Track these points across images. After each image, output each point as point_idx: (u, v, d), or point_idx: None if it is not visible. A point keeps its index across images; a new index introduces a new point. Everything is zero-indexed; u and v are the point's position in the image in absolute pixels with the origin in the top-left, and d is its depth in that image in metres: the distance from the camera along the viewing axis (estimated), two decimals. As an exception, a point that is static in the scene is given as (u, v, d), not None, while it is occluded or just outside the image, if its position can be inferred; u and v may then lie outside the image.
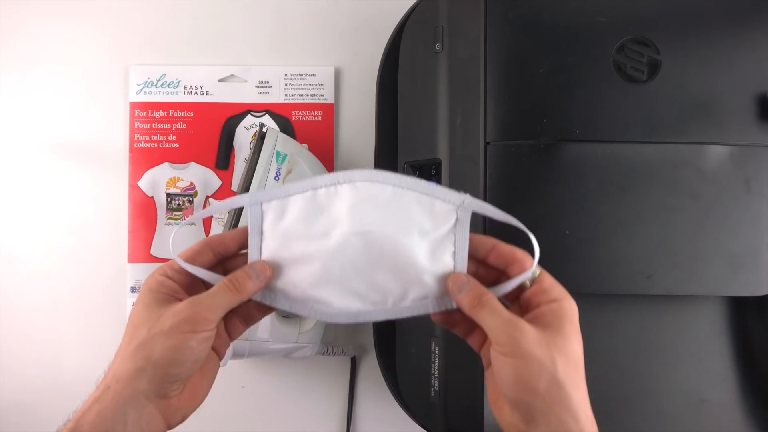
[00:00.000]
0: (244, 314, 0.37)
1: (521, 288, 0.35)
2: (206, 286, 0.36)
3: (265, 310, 0.37)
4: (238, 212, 0.50)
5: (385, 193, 0.35)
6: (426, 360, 0.50)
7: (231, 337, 0.37)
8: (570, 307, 0.34)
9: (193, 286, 0.36)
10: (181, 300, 0.34)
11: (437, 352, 0.49)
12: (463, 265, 0.35)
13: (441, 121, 0.50)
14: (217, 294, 0.34)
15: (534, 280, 0.35)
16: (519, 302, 0.36)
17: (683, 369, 0.48)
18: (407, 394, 0.53)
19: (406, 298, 0.36)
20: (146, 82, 0.62)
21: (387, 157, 0.55)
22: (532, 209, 0.45)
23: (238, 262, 0.37)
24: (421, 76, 0.53)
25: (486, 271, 0.36)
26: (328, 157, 0.62)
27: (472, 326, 0.36)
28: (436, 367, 0.49)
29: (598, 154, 0.46)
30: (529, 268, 0.34)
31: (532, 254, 0.35)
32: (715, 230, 0.46)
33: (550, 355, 0.31)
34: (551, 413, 0.31)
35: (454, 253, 0.35)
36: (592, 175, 0.46)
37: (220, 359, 0.37)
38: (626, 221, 0.45)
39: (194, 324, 0.32)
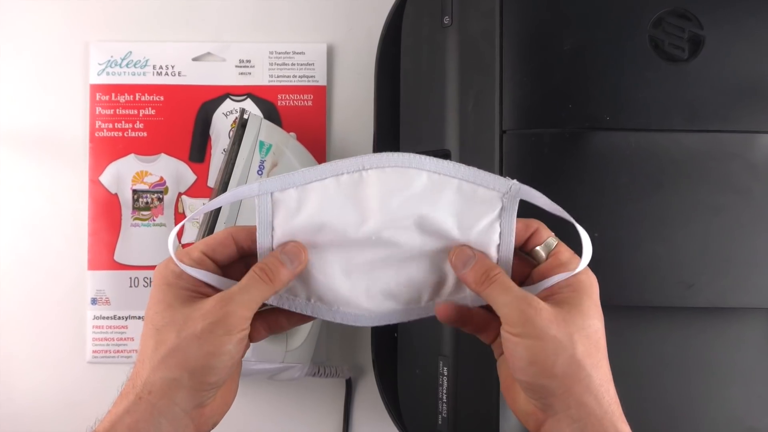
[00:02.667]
0: (271, 322, 0.38)
1: (534, 262, 0.37)
2: (226, 274, 0.36)
3: (294, 318, 0.38)
4: (215, 212, 0.50)
5: (420, 180, 0.36)
6: (433, 382, 0.50)
7: (252, 339, 0.38)
8: (589, 282, 0.35)
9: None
10: (204, 294, 0.34)
11: (446, 373, 0.49)
12: (508, 257, 0.36)
13: (450, 107, 0.50)
14: (249, 287, 0.34)
15: (550, 253, 0.36)
16: (532, 278, 0.37)
17: (729, 392, 0.48)
18: (411, 421, 0.53)
19: (442, 294, 0.37)
20: (109, 61, 0.62)
21: (387, 148, 0.54)
22: (555, 208, 0.45)
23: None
24: (427, 55, 0.52)
25: None
26: (319, 148, 0.62)
27: (485, 322, 0.37)
28: (445, 391, 0.49)
29: (631, 145, 0.45)
30: (545, 239, 0.36)
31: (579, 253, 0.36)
32: (766, 232, 0.45)
33: (567, 333, 0.33)
34: (571, 396, 0.32)
35: (499, 245, 0.36)
36: (625, 168, 0.45)
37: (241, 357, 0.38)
38: (664, 222, 0.45)
39: (229, 326, 0.33)
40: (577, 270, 0.35)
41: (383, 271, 0.36)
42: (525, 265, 0.37)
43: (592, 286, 0.35)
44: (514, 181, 0.36)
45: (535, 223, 0.37)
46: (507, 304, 0.34)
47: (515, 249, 0.36)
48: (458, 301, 0.37)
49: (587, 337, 0.33)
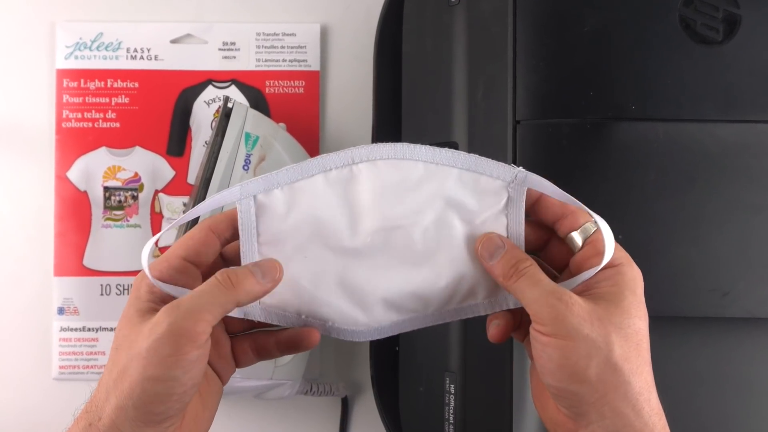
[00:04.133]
0: (259, 344, 0.37)
1: (570, 251, 0.36)
2: None
3: (285, 345, 0.37)
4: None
5: (415, 172, 0.36)
6: (438, 401, 0.50)
7: (238, 363, 0.37)
8: (632, 274, 0.34)
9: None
10: None
11: (453, 390, 0.49)
12: None
13: (457, 94, 0.50)
14: (204, 293, 0.32)
15: (587, 240, 0.35)
16: (569, 270, 0.36)
17: (768, 411, 0.48)
18: (414, 444, 0.53)
19: (451, 301, 0.37)
20: (78, 43, 0.61)
21: (387, 140, 0.54)
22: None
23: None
24: (432, 36, 0.53)
25: (531, 231, 0.37)
26: (311, 140, 0.62)
27: (517, 319, 0.37)
28: (451, 411, 0.49)
29: (659, 136, 0.45)
30: (583, 224, 0.35)
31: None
32: (810, 234, 0.46)
33: (603, 332, 0.32)
34: (605, 405, 0.32)
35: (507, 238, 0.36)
36: (653, 163, 0.45)
37: (224, 383, 0.37)
38: (697, 222, 0.45)
39: (177, 344, 0.30)
40: (604, 262, 0.34)
41: (382, 278, 0.36)
42: (561, 253, 0.36)
43: (635, 279, 0.34)
44: (520, 168, 0.36)
45: (535, 192, 0.36)
46: (536, 300, 0.33)
47: (552, 233, 0.36)
48: (468, 308, 0.37)
49: (626, 338, 0.32)
